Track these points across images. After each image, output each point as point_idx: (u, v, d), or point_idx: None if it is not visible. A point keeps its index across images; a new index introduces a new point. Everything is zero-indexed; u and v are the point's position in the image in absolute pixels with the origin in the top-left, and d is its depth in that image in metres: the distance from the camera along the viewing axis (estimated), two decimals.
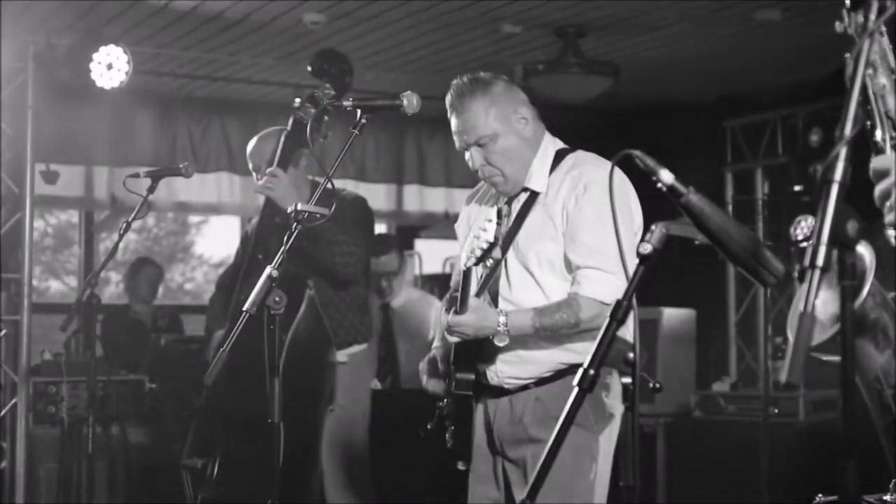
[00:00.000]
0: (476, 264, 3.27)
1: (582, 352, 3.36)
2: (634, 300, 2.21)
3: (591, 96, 7.02)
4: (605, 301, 3.29)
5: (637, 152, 2.24)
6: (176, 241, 22.09)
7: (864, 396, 2.18)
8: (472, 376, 3.58)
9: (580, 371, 2.21)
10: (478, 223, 3.47)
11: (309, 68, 4.48)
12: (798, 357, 1.67)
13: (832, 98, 7.13)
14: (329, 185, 3.61)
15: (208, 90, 8.34)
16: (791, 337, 1.71)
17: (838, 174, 1.76)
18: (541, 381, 3.52)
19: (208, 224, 21.30)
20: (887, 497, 2.29)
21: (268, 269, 3.40)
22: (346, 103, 3.56)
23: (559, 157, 3.57)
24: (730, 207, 8.46)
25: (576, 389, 2.19)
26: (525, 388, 3.54)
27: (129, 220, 5.03)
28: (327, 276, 4.71)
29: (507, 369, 3.54)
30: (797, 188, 7.65)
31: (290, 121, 4.55)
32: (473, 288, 3.48)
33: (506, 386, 3.55)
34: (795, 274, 1.78)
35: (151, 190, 5.13)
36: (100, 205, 8.45)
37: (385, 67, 7.46)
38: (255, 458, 3.64)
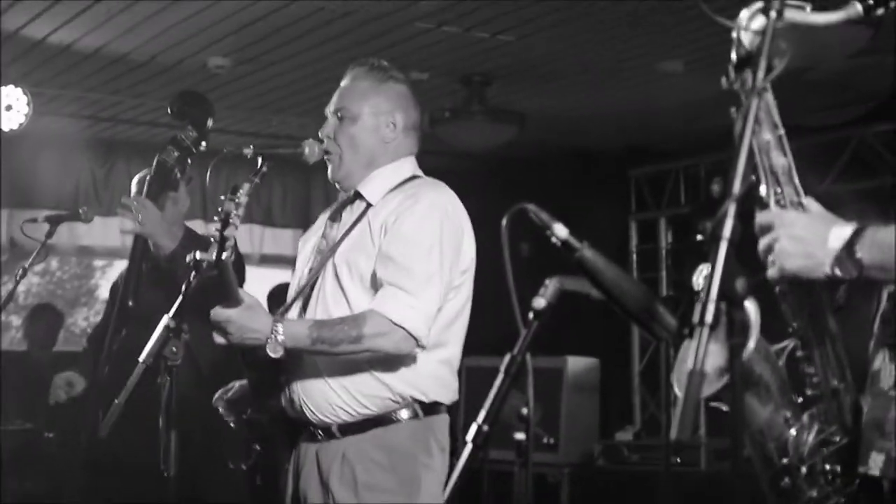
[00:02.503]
0: (221, 253, 3.00)
1: (388, 385, 3.18)
2: (529, 356, 2.20)
3: (496, 144, 7.06)
4: (395, 320, 3.08)
5: (531, 206, 2.22)
6: (80, 284, 21.73)
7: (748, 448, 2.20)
8: (273, 402, 3.32)
9: (473, 427, 2.19)
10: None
11: (169, 110, 4.43)
12: (687, 414, 1.67)
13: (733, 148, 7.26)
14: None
15: (112, 132, 8.24)
16: (679, 393, 1.71)
17: (727, 231, 1.77)
18: (346, 430, 3.22)
19: (113, 267, 20.96)
20: None
21: (164, 319, 3.32)
22: (245, 150, 3.51)
23: (410, 180, 3.38)
24: (634, 256, 8.55)
25: (469, 446, 2.16)
26: (329, 433, 3.23)
27: (27, 265, 4.92)
28: (202, 317, 4.64)
29: (306, 397, 3.25)
30: (699, 237, 7.75)
31: (154, 163, 4.46)
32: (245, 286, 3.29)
33: (310, 419, 3.24)
34: (686, 330, 1.78)
35: (50, 234, 5.03)
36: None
37: (292, 112, 7.45)
38: None
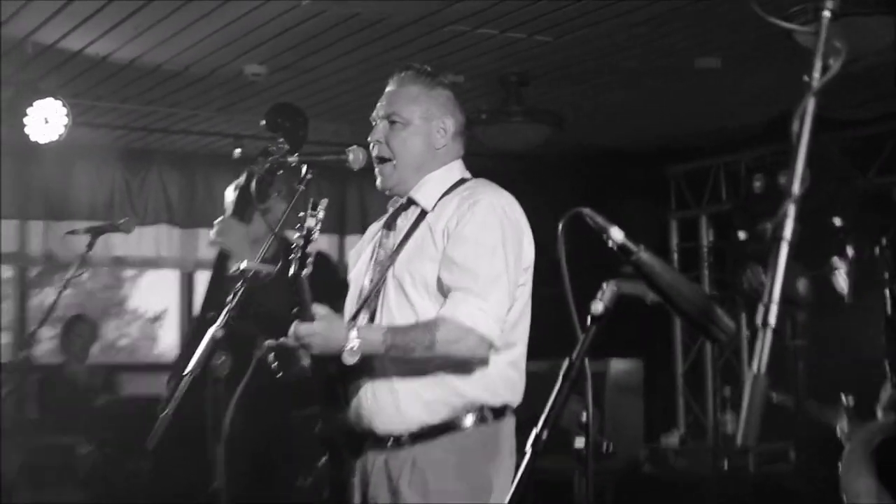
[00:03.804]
0: (300, 269, 3.07)
1: (459, 390, 3.22)
2: (587, 361, 2.23)
3: (533, 144, 7.09)
4: (467, 325, 3.12)
5: (587, 210, 2.26)
6: (110, 295, 21.82)
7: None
8: (341, 416, 3.35)
9: (532, 434, 2.21)
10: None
11: (263, 122, 4.48)
12: (752, 419, 1.69)
13: (774, 144, 7.26)
14: (283, 240, 3.57)
15: (146, 141, 8.32)
16: (745, 398, 1.73)
17: (788, 232, 1.79)
18: (416, 437, 3.24)
19: (143, 277, 21.11)
20: None
21: (212, 329, 3.37)
22: (290, 159, 3.56)
23: (461, 182, 3.42)
24: (675, 255, 8.56)
25: (529, 453, 2.19)
26: (398, 443, 3.26)
27: (68, 277, 4.98)
28: (277, 334, 4.69)
29: (376, 407, 3.28)
30: (741, 235, 7.74)
31: (244, 175, 4.54)
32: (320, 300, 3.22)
33: (379, 431, 3.27)
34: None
35: (90, 246, 5.06)
36: (34, 260, 8.38)
37: (326, 118, 7.50)
38: None
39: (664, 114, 7.70)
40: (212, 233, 4.54)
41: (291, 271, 3.07)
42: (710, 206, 8.42)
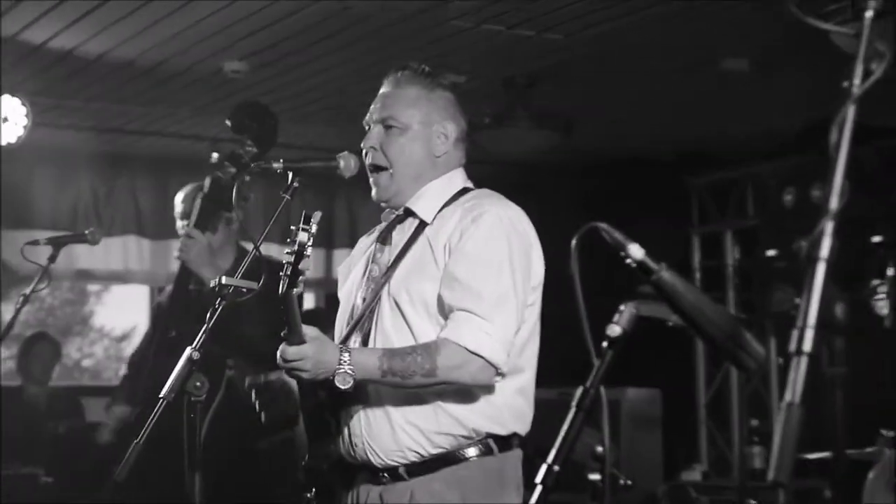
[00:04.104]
0: (290, 287, 3.05)
1: (461, 419, 3.23)
2: (603, 389, 2.24)
3: (541, 151, 7.12)
4: (470, 348, 3.12)
5: (603, 225, 2.27)
6: (73, 311, 21.86)
7: None
8: (331, 446, 3.38)
9: (543, 467, 2.22)
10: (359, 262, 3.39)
11: (228, 122, 4.51)
12: (786, 452, 1.70)
13: (807, 153, 7.27)
14: (257, 254, 3.60)
15: (115, 145, 8.34)
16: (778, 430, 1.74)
17: (825, 251, 1.79)
18: (414, 470, 3.25)
19: (109, 292, 21.12)
20: None
21: (188, 351, 3.38)
22: (275, 165, 3.56)
23: (462, 192, 3.43)
24: (697, 274, 8.58)
25: (539, 488, 2.21)
26: (395, 476, 3.26)
27: (28, 292, 4.98)
28: (249, 354, 4.71)
29: (370, 437, 3.28)
30: (770, 253, 7.75)
31: (208, 180, 4.57)
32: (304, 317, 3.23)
33: (374, 463, 3.27)
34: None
35: (52, 259, 5.06)
36: None
37: (313, 120, 7.52)
38: None
39: (686, 119, 7.73)
40: (178, 247, 4.61)
41: (281, 288, 3.06)
42: (735, 221, 8.44)
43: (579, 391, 2.28)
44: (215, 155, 8.20)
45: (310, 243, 3.06)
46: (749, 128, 7.81)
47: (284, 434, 4.51)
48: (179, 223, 4.94)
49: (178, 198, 5.06)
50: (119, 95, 7.11)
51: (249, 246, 4.75)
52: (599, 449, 2.26)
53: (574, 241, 2.30)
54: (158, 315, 5.07)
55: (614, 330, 2.26)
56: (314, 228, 3.07)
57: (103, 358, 22.12)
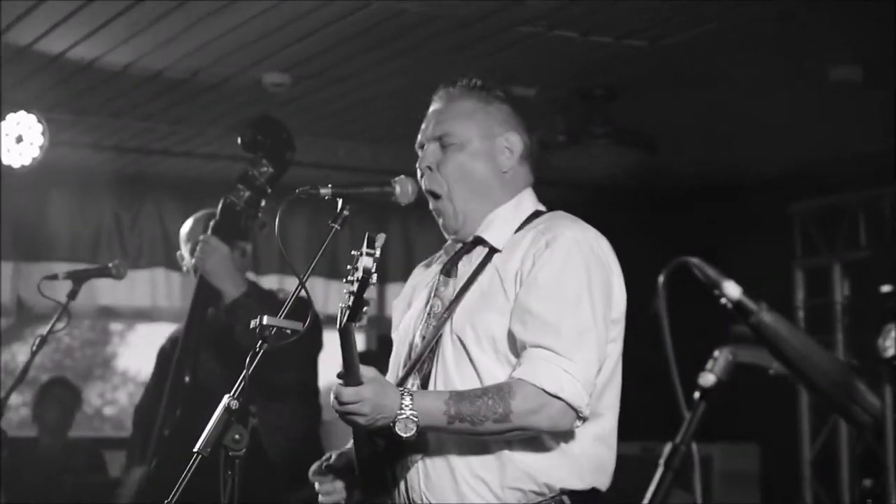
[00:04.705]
0: (352, 320, 3.02)
1: (532, 472, 3.22)
2: (695, 447, 2.24)
3: (622, 172, 7.11)
4: (549, 390, 3.10)
5: (694, 259, 2.28)
6: (94, 352, 22.03)
7: None
8: (388, 501, 3.35)
9: None
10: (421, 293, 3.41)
11: (238, 140, 4.55)
12: None
13: None
14: (303, 293, 3.60)
15: (141, 165, 8.43)
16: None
17: None
18: None
19: (134, 332, 21.27)
20: None
21: (225, 399, 3.40)
22: (322, 191, 3.58)
23: (534, 216, 3.45)
24: (800, 314, 8.52)
25: None
26: None
27: (45, 333, 5.04)
28: (277, 400, 4.75)
29: (430, 491, 3.28)
30: (885, 288, 7.67)
31: (220, 206, 4.60)
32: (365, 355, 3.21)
33: None
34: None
35: (73, 295, 5.15)
36: (2, 311, 8.48)
37: (362, 138, 7.57)
38: None
39: (787, 137, 7.70)
40: (195, 252, 4.61)
41: (340, 321, 3.05)
42: (845, 253, 8.37)
43: (668, 448, 2.28)
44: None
45: (374, 270, 3.03)
46: (861, 147, 7.76)
47: (307, 491, 4.53)
48: (187, 258, 4.96)
49: (184, 230, 5.08)
50: (145, 111, 7.19)
51: (261, 281, 4.79)
52: None
53: (661, 278, 2.31)
54: (163, 360, 5.09)
55: (708, 379, 2.26)
56: (378, 253, 3.05)
57: (127, 405, 22.27)
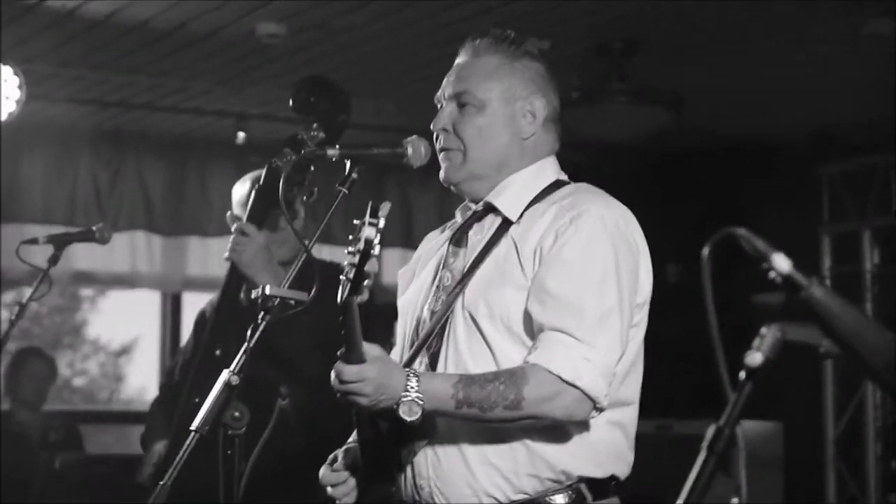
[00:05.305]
0: (353, 294, 3.04)
1: (549, 459, 3.22)
2: (740, 431, 2.25)
3: (643, 133, 7.12)
4: (566, 377, 3.08)
5: (742, 231, 2.28)
6: (62, 320, 22.04)
7: None
8: (392, 488, 3.36)
9: None
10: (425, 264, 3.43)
11: (291, 102, 4.54)
12: None
13: None
14: (308, 258, 3.60)
15: (121, 121, 8.42)
16: None
17: None
18: None
19: (106, 298, 21.27)
20: None
21: (224, 374, 3.41)
22: (330, 152, 3.59)
23: (555, 187, 3.42)
24: (827, 282, 8.55)
25: None
26: None
27: (25, 301, 5.04)
28: (303, 379, 4.74)
29: (439, 478, 3.28)
30: None
31: (265, 170, 4.60)
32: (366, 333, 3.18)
33: None
34: None
35: (54, 260, 5.12)
36: None
37: (364, 93, 7.56)
38: None
39: (817, 95, 7.71)
40: (228, 245, 4.64)
41: (341, 295, 3.05)
42: (875, 219, 8.39)
43: (711, 430, 2.29)
44: (241, 135, 8.31)
45: (377, 241, 3.04)
46: (894, 106, 7.76)
47: None
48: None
49: (240, 192, 5.05)
50: (129, 63, 7.17)
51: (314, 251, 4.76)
52: (735, 501, 2.27)
53: (705, 250, 2.32)
54: (200, 328, 5.09)
55: (755, 358, 2.26)
56: (382, 223, 3.06)
57: (98, 376, 22.30)
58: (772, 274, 2.30)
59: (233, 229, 4.68)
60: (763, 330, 2.30)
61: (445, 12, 6.29)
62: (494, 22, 6.23)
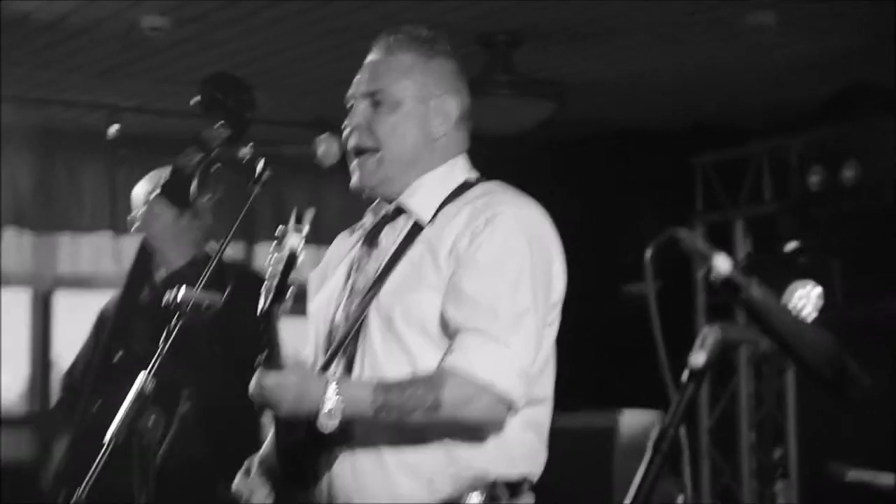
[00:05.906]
0: (276, 303, 3.05)
1: (466, 459, 3.24)
2: (683, 431, 2.30)
3: (526, 124, 7.15)
4: (482, 380, 3.11)
5: (684, 232, 2.32)
6: None
7: None
8: (306, 495, 3.34)
9: None
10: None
11: (197, 98, 4.51)
12: None
13: (836, 126, 7.31)
14: (220, 261, 3.59)
15: None
16: None
17: None
18: None
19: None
20: None
21: (139, 380, 3.39)
22: (242, 151, 3.59)
23: (467, 186, 3.42)
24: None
25: None
26: None
27: None
28: (205, 383, 4.72)
29: (356, 485, 3.29)
30: (790, 246, 7.76)
31: (169, 171, 4.57)
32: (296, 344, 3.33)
33: None
34: None
35: None
36: None
37: (256, 90, 7.53)
38: None
39: (695, 85, 7.81)
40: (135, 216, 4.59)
41: (263, 304, 3.06)
42: (748, 207, 8.46)
43: (655, 431, 2.33)
44: (114, 127, 8.22)
45: (302, 248, 3.05)
46: (769, 95, 7.86)
47: None
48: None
49: (140, 191, 5.01)
50: (9, 57, 7.05)
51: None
52: (680, 500, 2.32)
53: (648, 253, 2.35)
54: (101, 327, 5.04)
55: (698, 358, 2.30)
56: (307, 230, 3.06)
57: None
58: (712, 274, 2.35)
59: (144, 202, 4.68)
60: (704, 330, 2.35)
61: (331, 5, 6.26)
62: (376, 13, 6.26)
